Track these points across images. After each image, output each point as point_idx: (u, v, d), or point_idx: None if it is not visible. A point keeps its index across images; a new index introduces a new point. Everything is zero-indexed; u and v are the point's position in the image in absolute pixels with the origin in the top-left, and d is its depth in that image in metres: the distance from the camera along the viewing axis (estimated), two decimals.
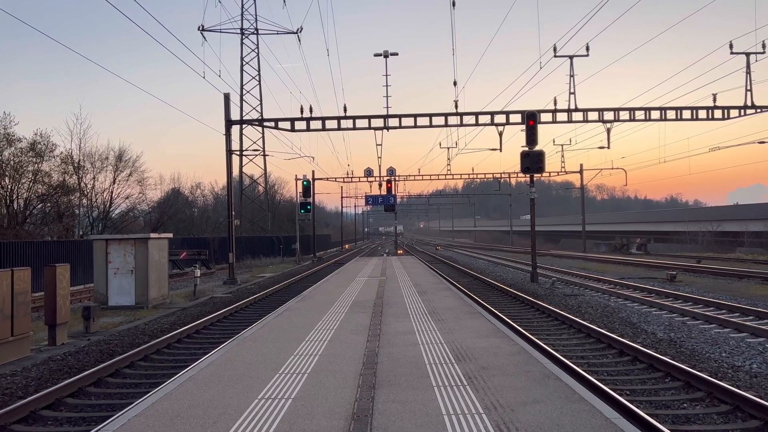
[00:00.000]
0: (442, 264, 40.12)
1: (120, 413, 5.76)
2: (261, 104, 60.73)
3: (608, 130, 30.00)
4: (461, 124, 27.47)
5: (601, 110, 27.10)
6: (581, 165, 57.47)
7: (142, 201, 46.08)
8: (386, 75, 27.18)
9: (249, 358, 8.06)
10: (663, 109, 27.14)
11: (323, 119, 27.28)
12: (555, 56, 24.55)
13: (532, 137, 22.95)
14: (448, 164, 47.52)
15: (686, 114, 26.97)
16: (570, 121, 26.61)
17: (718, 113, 26.71)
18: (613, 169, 55.26)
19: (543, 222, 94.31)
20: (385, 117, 26.85)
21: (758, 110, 26.37)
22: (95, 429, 5.29)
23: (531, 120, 23.14)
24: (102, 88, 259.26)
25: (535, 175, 24.24)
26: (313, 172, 50.56)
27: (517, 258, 45.50)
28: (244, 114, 58.43)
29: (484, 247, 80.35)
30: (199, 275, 23.82)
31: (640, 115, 27.23)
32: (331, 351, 8.39)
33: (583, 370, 8.93)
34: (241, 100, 59.45)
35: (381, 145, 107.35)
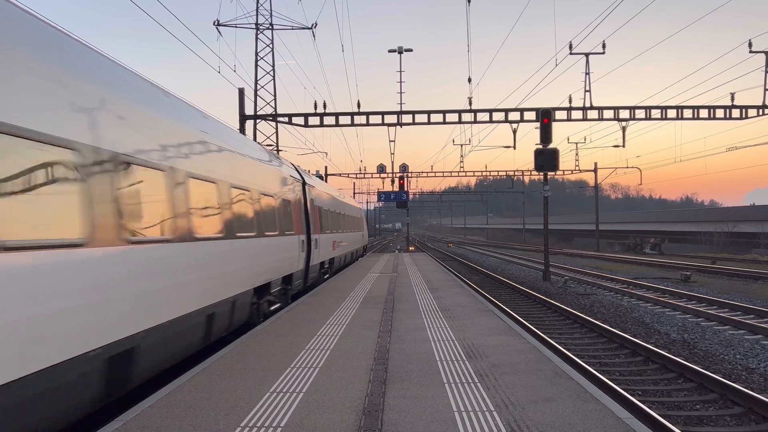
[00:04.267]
0: (454, 261, 40.06)
1: (134, 404, 5.83)
2: (275, 99, 60.74)
3: (623, 129, 29.72)
4: (475, 121, 27.37)
5: (616, 108, 26.89)
6: (596, 163, 57.20)
7: None
8: (400, 71, 27.21)
9: (261, 351, 8.11)
10: (679, 108, 26.88)
11: (337, 115, 27.31)
12: (570, 53, 24.42)
13: (546, 135, 22.84)
14: (461, 161, 47.25)
15: (703, 113, 26.69)
16: (585, 119, 26.43)
17: (735, 113, 26.42)
18: (627, 168, 54.92)
19: (556, 220, 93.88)
20: (399, 113, 26.83)
21: None
22: (110, 421, 5.36)
23: (545, 118, 23.02)
24: None
25: (549, 173, 24.13)
26: (326, 167, 50.61)
27: (529, 256, 45.35)
28: (258, 109, 58.55)
29: (496, 245, 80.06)
30: None
31: (656, 114, 26.99)
32: (343, 346, 8.42)
33: (595, 370, 8.90)
34: (255, 94, 59.42)
35: (394, 141, 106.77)
